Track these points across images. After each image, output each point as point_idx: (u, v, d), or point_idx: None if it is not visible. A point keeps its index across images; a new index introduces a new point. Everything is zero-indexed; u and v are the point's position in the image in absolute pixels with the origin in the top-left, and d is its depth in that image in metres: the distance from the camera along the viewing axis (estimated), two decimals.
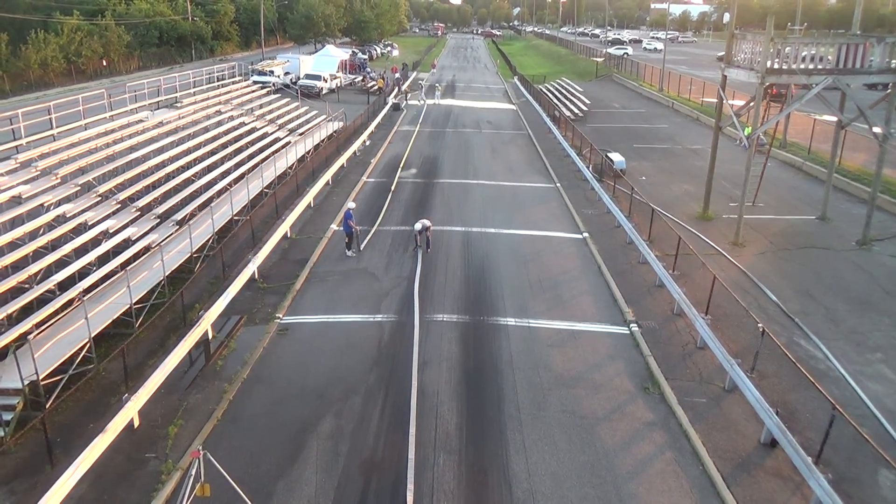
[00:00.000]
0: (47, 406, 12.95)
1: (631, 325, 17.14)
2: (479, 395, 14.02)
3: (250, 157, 30.88)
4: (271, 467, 11.82)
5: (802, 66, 21.74)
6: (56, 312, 15.02)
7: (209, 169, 27.86)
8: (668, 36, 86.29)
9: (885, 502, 11.47)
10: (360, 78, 66.07)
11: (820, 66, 21.79)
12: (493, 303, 18.23)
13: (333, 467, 11.84)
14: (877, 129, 22.61)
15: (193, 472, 9.56)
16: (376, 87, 61.26)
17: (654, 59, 73.89)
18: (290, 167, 30.75)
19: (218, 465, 9.91)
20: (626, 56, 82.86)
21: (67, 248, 18.28)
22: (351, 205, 21.87)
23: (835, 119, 24.77)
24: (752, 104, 23.19)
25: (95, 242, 19.20)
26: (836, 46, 21.71)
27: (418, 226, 21.23)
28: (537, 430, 12.94)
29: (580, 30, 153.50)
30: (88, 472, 11.01)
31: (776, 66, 21.54)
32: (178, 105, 35.23)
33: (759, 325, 14.67)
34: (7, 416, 12.57)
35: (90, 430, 12.23)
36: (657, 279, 19.45)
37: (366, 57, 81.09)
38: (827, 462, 11.77)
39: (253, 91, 44.43)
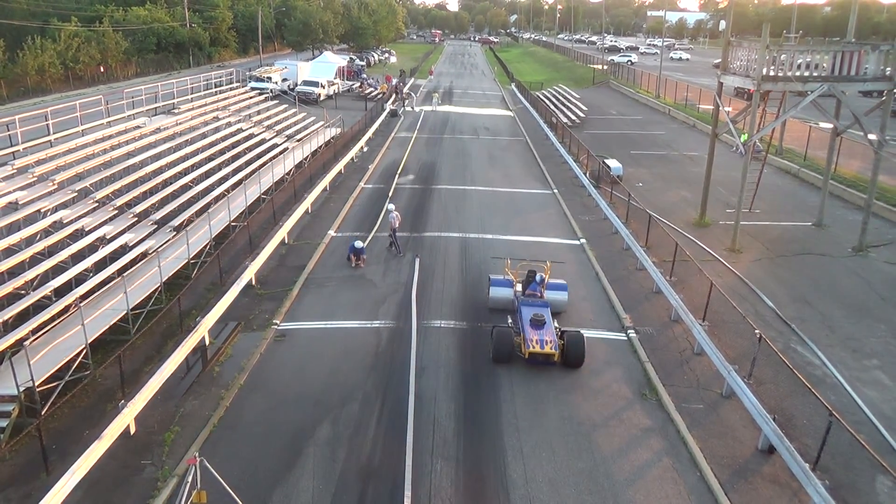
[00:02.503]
0: (43, 412, 12.90)
1: (628, 331, 17.14)
2: (476, 402, 14.00)
3: (248, 163, 30.88)
4: (268, 474, 11.78)
5: (798, 74, 21.87)
6: (52, 318, 14.98)
7: (207, 175, 27.86)
8: (665, 43, 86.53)
9: None
10: (358, 84, 66.20)
11: (815, 74, 21.91)
12: (492, 308, 18.20)
13: (330, 474, 11.80)
14: (872, 136, 22.73)
15: (189, 478, 9.53)
16: (378, 93, 61.32)
17: (651, 66, 74.17)
18: (288, 173, 30.75)
19: (214, 472, 9.88)
20: (630, 63, 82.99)
21: (64, 254, 18.24)
22: (358, 244, 21.22)
23: (830, 126, 24.90)
24: (748, 111, 23.30)
25: (92, 248, 19.17)
26: (832, 54, 21.84)
27: (391, 206, 22.86)
28: (535, 436, 12.92)
29: (577, 37, 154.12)
30: (84, 479, 10.95)
31: (772, 73, 21.66)
32: (176, 111, 35.24)
33: (756, 331, 14.69)
34: (2, 423, 12.51)
35: (86, 437, 12.17)
36: (654, 285, 19.48)
37: (363, 63, 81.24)
38: (824, 468, 11.77)
39: (250, 97, 44.46)
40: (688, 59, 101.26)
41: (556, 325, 15.90)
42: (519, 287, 17.53)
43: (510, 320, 16.59)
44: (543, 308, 16.14)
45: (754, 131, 22.59)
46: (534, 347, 14.93)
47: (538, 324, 15.33)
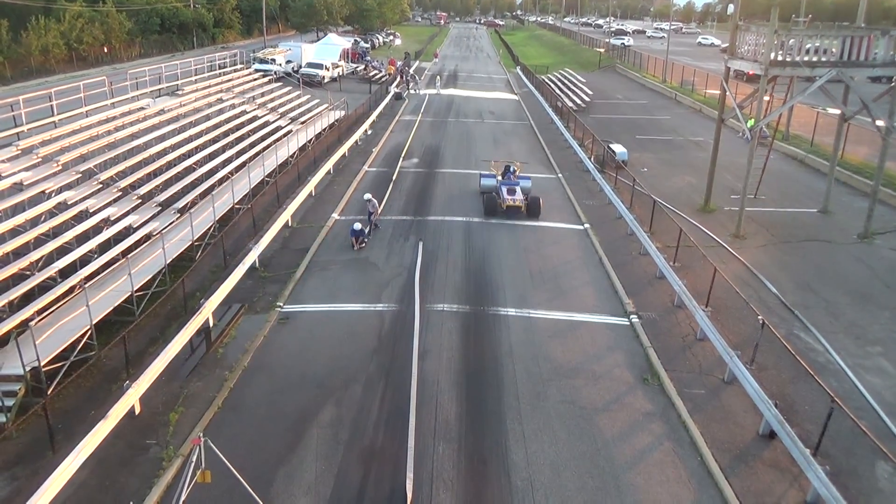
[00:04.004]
0: (49, 392, 13.01)
1: (631, 317, 17.16)
2: (478, 385, 14.07)
3: (252, 145, 30.85)
4: (271, 455, 11.88)
5: (806, 59, 21.65)
6: (57, 299, 15.05)
7: (210, 157, 27.84)
8: (672, 27, 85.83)
9: (882, 494, 11.53)
10: (363, 67, 65.81)
11: (824, 59, 21.70)
12: (494, 293, 18.25)
13: (333, 455, 11.90)
14: (880, 123, 22.54)
15: (194, 458, 9.60)
16: (383, 76, 60.83)
17: (658, 51, 73.56)
18: (292, 156, 30.71)
19: (219, 453, 9.95)
20: (623, 45, 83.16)
21: (69, 236, 18.30)
22: (357, 226, 21.25)
23: (838, 112, 24.70)
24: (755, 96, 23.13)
25: (97, 230, 19.21)
26: (841, 39, 21.61)
27: (367, 195, 22.96)
28: (537, 420, 12.99)
29: (583, 20, 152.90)
30: (90, 458, 11.07)
31: (780, 58, 21.46)
32: (180, 93, 35.14)
33: (759, 317, 14.70)
34: (9, 402, 12.63)
35: (91, 417, 12.30)
36: (658, 271, 19.46)
37: (368, 46, 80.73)
38: (825, 454, 11.81)
39: (254, 79, 44.29)
40: (719, 45, 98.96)
41: (522, 195, 24.25)
42: (500, 177, 25.99)
43: (495, 193, 24.79)
44: (514, 184, 24.76)
45: (761, 117, 22.43)
46: (508, 203, 23.75)
47: (511, 191, 24.29)
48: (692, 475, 11.77)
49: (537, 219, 23.72)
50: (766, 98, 23.39)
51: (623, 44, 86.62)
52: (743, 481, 11.60)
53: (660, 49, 73.88)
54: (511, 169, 26.09)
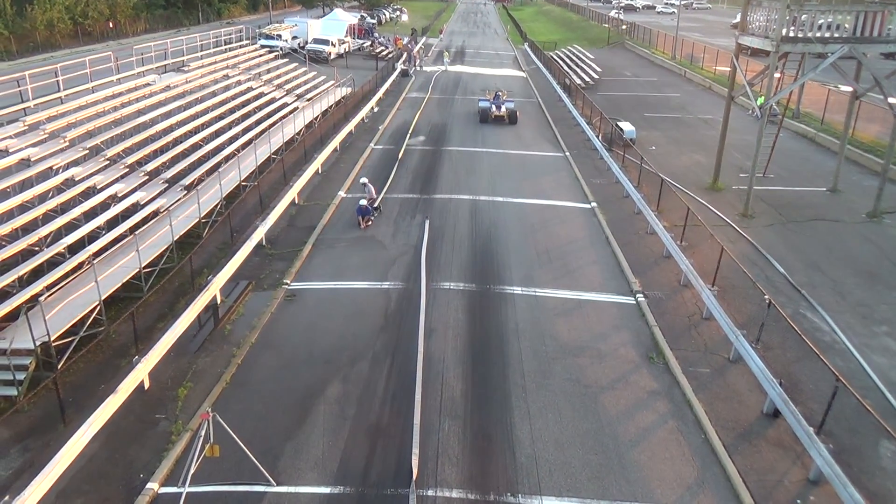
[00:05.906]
0: (59, 366, 13.17)
1: (637, 296, 17.16)
2: (484, 363, 14.14)
3: (258, 122, 30.75)
4: (279, 430, 12.01)
5: (818, 35, 21.33)
6: (66, 275, 15.18)
7: (217, 134, 27.78)
8: (683, 2, 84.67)
9: (885, 472, 11.59)
10: (369, 43, 65.26)
11: (836, 35, 21.37)
12: (500, 272, 18.26)
13: (340, 431, 12.02)
14: (892, 100, 22.24)
15: (203, 433, 9.74)
16: (391, 51, 60.24)
17: (667, 26, 72.57)
18: (298, 133, 30.62)
19: (227, 427, 10.10)
20: (617, 16, 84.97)
21: (76, 212, 18.39)
22: (363, 202, 21.26)
23: (850, 89, 24.38)
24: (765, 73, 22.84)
25: (104, 206, 19.29)
26: (854, 14, 21.25)
27: (363, 179, 22.80)
28: (542, 398, 13.07)
29: None
30: (100, 431, 11.25)
31: (791, 34, 21.15)
32: (186, 69, 34.98)
33: (766, 296, 14.67)
34: (20, 376, 12.79)
35: (102, 391, 12.46)
36: (665, 250, 19.41)
37: (374, 22, 79.95)
38: (829, 433, 11.86)
39: (260, 55, 44.03)
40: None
41: (506, 110, 35.45)
42: (491, 100, 36.44)
43: (487, 110, 35.76)
44: (501, 103, 35.85)
45: (771, 94, 22.17)
46: (495, 114, 35.28)
47: (498, 107, 35.51)
48: (696, 453, 11.86)
49: (515, 125, 35.05)
50: (777, 75, 23.11)
51: (615, 14, 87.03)
52: (746, 459, 11.68)
53: (669, 24, 72.84)
54: (498, 95, 37.05)
